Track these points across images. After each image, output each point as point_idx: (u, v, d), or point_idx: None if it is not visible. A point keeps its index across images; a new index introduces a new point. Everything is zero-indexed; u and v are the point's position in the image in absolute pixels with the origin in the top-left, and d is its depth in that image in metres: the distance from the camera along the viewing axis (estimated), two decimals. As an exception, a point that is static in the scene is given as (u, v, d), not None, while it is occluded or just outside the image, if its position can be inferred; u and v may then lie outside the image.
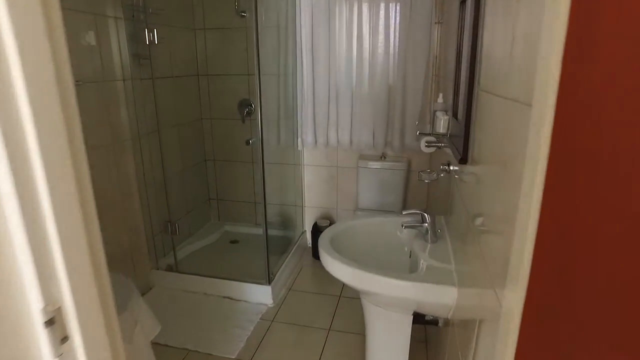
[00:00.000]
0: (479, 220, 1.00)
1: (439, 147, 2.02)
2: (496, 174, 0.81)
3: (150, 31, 2.21)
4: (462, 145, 1.11)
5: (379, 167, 2.69)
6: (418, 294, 1.19)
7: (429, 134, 1.65)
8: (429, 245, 1.41)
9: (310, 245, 3.10)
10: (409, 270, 1.50)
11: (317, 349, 2.04)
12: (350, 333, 2.16)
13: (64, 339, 0.76)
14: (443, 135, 1.61)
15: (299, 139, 2.80)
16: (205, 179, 3.24)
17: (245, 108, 2.97)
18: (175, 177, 2.83)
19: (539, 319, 0.60)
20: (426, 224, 1.41)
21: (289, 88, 2.75)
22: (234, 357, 1.98)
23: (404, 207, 2.86)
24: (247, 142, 2.27)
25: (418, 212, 1.44)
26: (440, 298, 1.18)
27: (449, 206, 1.47)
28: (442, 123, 1.59)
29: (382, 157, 2.75)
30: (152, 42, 2.22)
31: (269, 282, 2.40)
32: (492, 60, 0.90)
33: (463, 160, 1.09)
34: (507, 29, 0.77)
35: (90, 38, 1.99)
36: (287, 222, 3.08)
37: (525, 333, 0.64)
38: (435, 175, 1.54)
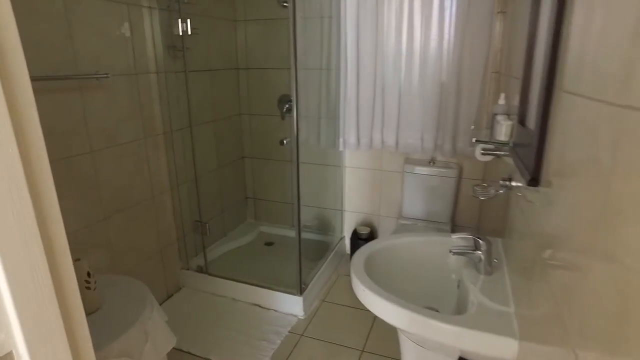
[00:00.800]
0: (548, 253, 0.77)
1: (497, 156, 1.75)
2: (585, 198, 0.58)
3: (184, 21, 2.09)
4: (532, 161, 0.87)
5: (427, 172, 2.44)
6: (466, 343, 0.97)
7: (488, 142, 1.40)
8: (481, 277, 1.18)
9: (348, 252, 2.90)
10: (456, 305, 1.27)
11: (347, 373, 1.86)
12: (385, 357, 1.95)
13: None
14: (504, 143, 1.35)
15: (341, 139, 2.61)
16: (243, 177, 3.13)
17: (285, 104, 2.81)
18: (211, 174, 2.73)
19: None
20: (479, 252, 1.17)
21: (331, 84, 2.56)
22: (256, 374, 1.84)
23: (453, 218, 2.60)
24: (282, 142, 2.10)
25: (471, 236, 1.20)
26: (493, 351, 0.95)
27: (508, 229, 1.22)
28: (504, 129, 1.34)
29: (431, 162, 2.50)
30: (186, 33, 2.11)
31: (301, 293, 2.23)
32: (588, 55, 0.66)
33: (534, 181, 0.85)
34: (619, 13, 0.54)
35: (125, 29, 1.90)
36: (325, 226, 2.91)
37: None
38: (492, 191, 1.29)
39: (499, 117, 1.38)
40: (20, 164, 0.55)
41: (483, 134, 2.29)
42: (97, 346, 1.19)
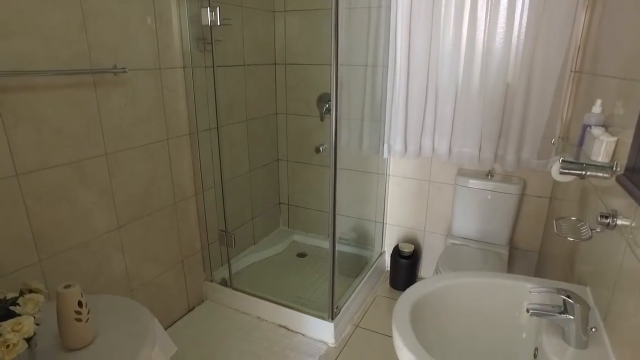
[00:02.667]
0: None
1: (581, 177, 1.41)
2: None
3: (213, 10, 1.88)
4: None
5: (484, 186, 2.11)
6: None
7: (582, 164, 1.07)
8: (570, 350, 0.87)
9: (388, 269, 2.62)
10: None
11: (381, 423, 1.58)
12: (427, 406, 1.65)
13: None
14: (603, 166, 1.03)
15: (385, 145, 2.32)
16: (277, 181, 2.91)
17: (325, 104, 2.56)
18: (242, 177, 2.53)
19: None
20: (571, 317, 0.86)
21: (377, 83, 2.28)
22: (277, 415, 1.61)
23: (511, 241, 2.24)
24: (317, 150, 1.85)
25: (556, 292, 0.90)
26: None
27: (613, 287, 0.90)
28: (604, 147, 1.01)
29: (489, 174, 2.16)
30: (215, 23, 1.89)
31: (332, 318, 1.98)
32: None
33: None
34: None
35: (150, 19, 1.71)
36: (364, 240, 2.63)
37: None
38: (587, 231, 0.98)
39: (595, 131, 1.06)
40: None
41: (556, 144, 1.94)
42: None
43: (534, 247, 2.23)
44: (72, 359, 1.08)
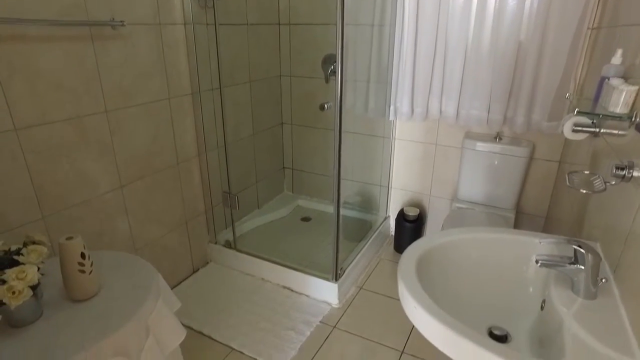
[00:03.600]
0: None
1: (594, 134, 1.37)
2: None
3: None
4: None
5: (491, 150, 2.06)
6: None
7: (597, 115, 1.03)
8: (579, 300, 0.86)
9: (393, 234, 2.61)
10: (533, 329, 0.96)
11: (384, 378, 1.61)
12: (429, 363, 1.68)
13: None
14: (621, 117, 0.98)
15: (392, 107, 2.26)
16: (281, 145, 2.88)
17: (331, 65, 2.49)
18: (246, 140, 2.50)
19: None
20: (581, 267, 0.84)
21: (384, 43, 2.20)
22: (281, 369, 1.64)
23: (518, 205, 2.22)
24: (322, 107, 1.81)
25: (566, 242, 0.87)
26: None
27: (625, 239, 0.88)
28: (624, 97, 0.97)
29: (497, 137, 2.11)
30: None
31: (336, 279, 1.99)
32: None
33: None
34: None
35: (148, -31, 1.64)
36: (368, 204, 2.62)
37: None
38: (600, 183, 0.94)
39: (614, 81, 1.01)
40: None
41: (566, 104, 1.88)
42: (88, 343, 1.00)
43: (540, 212, 2.21)
44: (78, 309, 1.09)
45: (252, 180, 2.63)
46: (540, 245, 1.03)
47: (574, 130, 1.35)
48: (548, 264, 0.87)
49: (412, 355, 1.72)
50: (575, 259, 0.85)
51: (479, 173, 2.13)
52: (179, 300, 1.36)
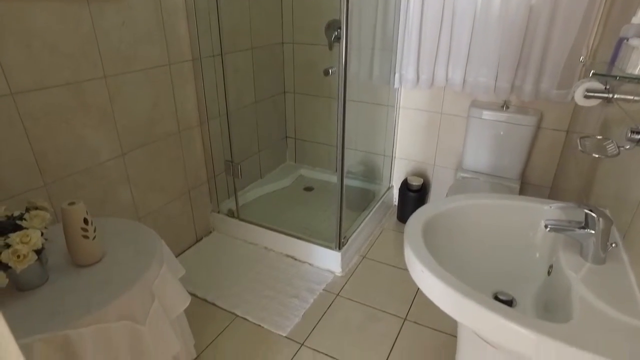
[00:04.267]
0: None
1: (607, 100, 1.33)
2: None
3: None
4: None
5: (498, 118, 2.02)
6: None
7: (615, 77, 1.00)
8: (587, 265, 0.85)
9: (396, 204, 2.60)
10: (539, 294, 0.95)
11: (386, 343, 1.63)
12: (430, 329, 1.70)
13: None
14: (635, 78, 0.95)
15: (397, 74, 2.21)
16: (283, 113, 2.83)
17: (334, 31, 2.41)
18: (247, 109, 2.46)
19: None
20: (592, 231, 0.83)
21: (390, 7, 2.13)
22: (285, 334, 1.66)
23: (523, 175, 2.20)
24: (326, 72, 1.77)
25: (577, 205, 0.86)
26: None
27: (638, 205, 0.86)
28: (642, 58, 0.93)
29: (504, 106, 2.07)
30: None
31: (340, 247, 1.99)
32: None
33: None
34: None
35: None
36: (372, 174, 2.60)
37: None
38: (613, 147, 0.92)
39: (635, 41, 0.96)
40: None
41: (577, 72, 1.83)
42: (93, 306, 1.00)
43: (546, 182, 2.19)
44: (82, 274, 1.09)
45: (254, 150, 2.61)
46: (548, 211, 1.01)
47: (585, 97, 1.32)
48: (557, 228, 0.86)
49: (414, 322, 1.74)
50: (586, 224, 0.84)
51: (485, 142, 2.10)
52: (183, 267, 1.36)
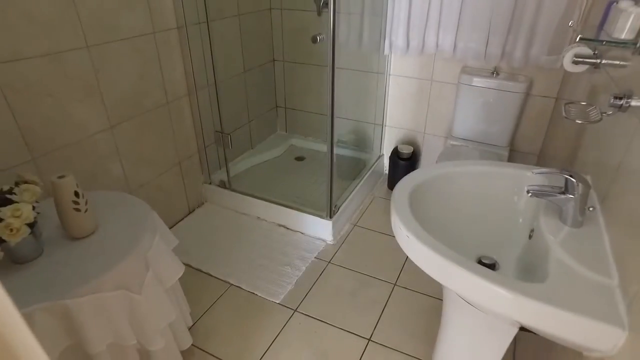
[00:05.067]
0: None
1: (595, 65, 1.33)
2: None
3: None
4: None
5: (488, 85, 2.02)
6: (540, 321, 0.71)
7: (601, 42, 1.00)
8: (566, 228, 0.88)
9: (387, 172, 2.63)
10: (521, 257, 0.99)
11: (376, 307, 1.69)
12: (419, 293, 1.76)
13: None
14: (626, 43, 0.95)
15: (386, 41, 2.18)
16: (273, 82, 2.80)
17: (323, -4, 2.36)
18: (236, 78, 2.42)
19: None
20: (571, 196, 0.85)
21: (379, -30, 2.07)
22: (278, 301, 1.71)
23: (512, 143, 2.22)
24: (314, 39, 1.74)
25: (558, 171, 0.88)
26: (583, 338, 0.68)
27: (616, 170, 0.88)
28: (631, 20, 0.93)
29: (494, 72, 2.06)
30: None
31: (331, 216, 2.03)
32: None
33: None
34: None
35: None
36: (362, 142, 2.61)
37: None
38: (596, 113, 0.93)
39: (623, 3, 0.96)
40: None
41: (568, 37, 1.82)
42: (89, 277, 1.03)
43: (534, 150, 2.22)
44: (77, 246, 1.11)
45: (244, 120, 2.59)
46: (531, 177, 1.04)
47: (574, 62, 1.32)
48: (539, 193, 0.88)
49: (404, 287, 1.80)
50: (566, 189, 0.86)
51: (475, 110, 2.11)
52: (176, 238, 1.38)
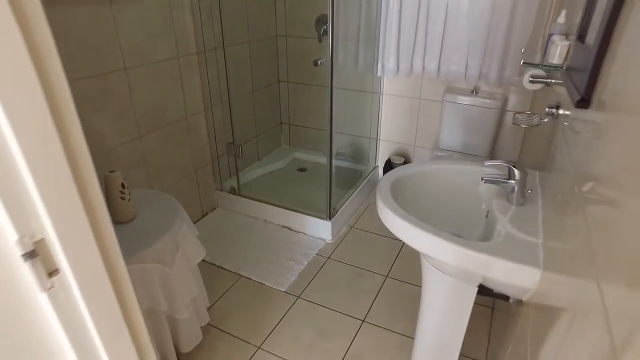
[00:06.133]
0: (588, 186, 0.71)
1: (547, 84, 1.60)
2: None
3: None
4: (586, 80, 0.77)
5: (469, 102, 2.30)
6: (488, 270, 0.95)
7: (538, 65, 1.27)
8: (512, 207, 1.13)
9: (380, 182, 2.87)
10: (482, 234, 1.24)
11: (369, 295, 1.92)
12: (408, 284, 1.99)
13: (54, 271, 0.68)
14: (557, 67, 1.22)
15: (379, 64, 2.47)
16: (278, 101, 3.09)
17: (323, 25, 2.66)
18: (245, 97, 2.71)
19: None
20: (513, 181, 1.11)
21: (372, 4, 2.38)
22: (283, 289, 1.94)
23: (492, 152, 2.48)
24: (315, 63, 2.02)
25: (505, 163, 1.14)
26: (516, 279, 0.92)
27: (550, 161, 1.14)
28: (559, 50, 1.20)
29: (474, 91, 2.34)
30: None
31: (330, 218, 2.27)
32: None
33: (583, 102, 0.77)
34: None
35: (155, -64, 1.80)
36: (359, 155, 2.87)
37: None
38: (537, 119, 1.19)
39: (556, 37, 1.24)
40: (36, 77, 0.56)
41: (535, 59, 2.10)
42: (134, 251, 1.27)
43: (513, 158, 2.47)
44: (121, 229, 1.35)
45: (252, 134, 2.87)
46: (486, 168, 1.29)
47: (530, 81, 1.59)
48: (490, 180, 1.13)
49: (394, 279, 2.03)
50: (510, 176, 1.12)
51: (458, 124, 2.38)
52: (197, 230, 1.63)
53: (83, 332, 0.74)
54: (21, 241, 0.61)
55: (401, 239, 1.10)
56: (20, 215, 0.60)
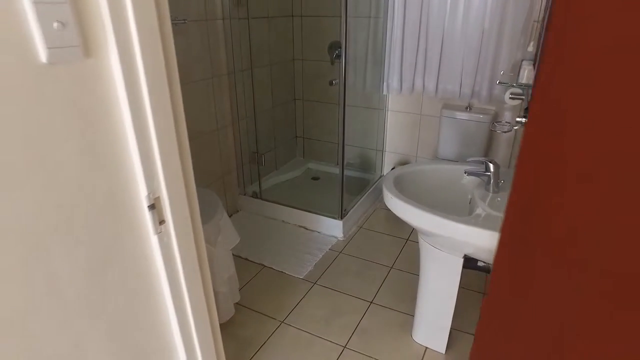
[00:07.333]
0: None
1: (523, 100, 1.92)
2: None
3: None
4: (530, 95, 1.09)
5: (463, 117, 2.62)
6: (470, 237, 1.25)
7: (512, 85, 1.59)
8: (490, 194, 1.43)
9: (386, 189, 3.18)
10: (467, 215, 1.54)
11: (376, 282, 2.20)
12: (410, 273, 2.27)
13: (162, 222, 1.00)
14: (527, 86, 1.54)
15: (385, 83, 2.82)
16: (294, 117, 3.44)
17: (335, 50, 3.02)
18: (266, 113, 3.05)
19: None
20: (489, 173, 1.41)
21: (378, 30, 2.74)
22: (301, 277, 2.23)
23: (486, 161, 2.78)
24: (331, 83, 2.36)
25: (482, 160, 1.44)
26: (491, 244, 1.22)
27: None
28: (526, 73, 1.53)
29: (468, 107, 2.66)
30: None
31: (341, 217, 2.57)
32: None
33: (527, 110, 1.08)
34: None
35: (196, -21, 2.17)
36: (366, 165, 3.19)
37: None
38: (508, 127, 1.51)
39: (525, 63, 1.56)
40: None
41: (514, 79, 2.43)
42: (186, 231, 1.57)
43: (503, 166, 2.77)
44: (174, 215, 1.66)
45: (271, 146, 3.20)
46: (470, 165, 1.60)
47: (510, 98, 1.92)
48: (471, 172, 1.44)
49: (398, 269, 2.31)
50: (486, 169, 1.43)
51: (454, 136, 2.69)
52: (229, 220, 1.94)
53: (174, 266, 1.05)
54: (149, 196, 0.93)
55: (402, 218, 1.41)
56: (150, 177, 0.92)
